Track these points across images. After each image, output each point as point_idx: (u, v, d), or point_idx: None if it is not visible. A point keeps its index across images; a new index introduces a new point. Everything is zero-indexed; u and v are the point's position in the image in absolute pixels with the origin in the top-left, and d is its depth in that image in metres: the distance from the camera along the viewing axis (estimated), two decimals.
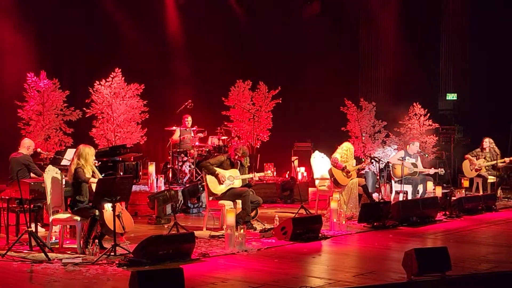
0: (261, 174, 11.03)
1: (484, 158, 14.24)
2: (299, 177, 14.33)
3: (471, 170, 14.33)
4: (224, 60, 17.86)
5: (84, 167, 8.48)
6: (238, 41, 18.63)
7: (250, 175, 10.61)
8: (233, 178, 10.11)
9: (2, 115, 14.03)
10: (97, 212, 8.18)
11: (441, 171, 13.29)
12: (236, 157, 10.25)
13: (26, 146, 10.27)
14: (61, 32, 15.38)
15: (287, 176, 14.60)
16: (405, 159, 12.84)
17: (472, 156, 14.36)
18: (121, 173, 11.13)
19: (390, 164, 13.23)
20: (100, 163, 9.40)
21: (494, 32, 18.23)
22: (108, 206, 8.10)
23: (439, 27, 19.02)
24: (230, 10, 18.53)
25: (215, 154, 13.03)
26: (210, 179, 10.06)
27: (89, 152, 8.60)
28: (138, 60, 16.39)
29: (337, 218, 10.07)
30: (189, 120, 13.91)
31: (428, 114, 16.32)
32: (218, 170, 10.07)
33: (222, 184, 10.03)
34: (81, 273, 7.13)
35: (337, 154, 11.68)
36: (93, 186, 8.33)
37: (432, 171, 13.12)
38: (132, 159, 12.10)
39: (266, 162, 15.30)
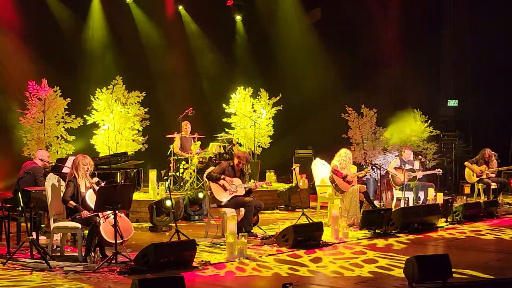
0: (261, 182, 11.00)
1: (487, 165, 14.22)
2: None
3: (473, 175, 14.32)
4: (225, 67, 17.88)
5: (76, 179, 8.42)
6: (239, 48, 18.66)
7: (253, 185, 10.54)
8: (236, 187, 10.10)
9: (3, 123, 14.03)
10: (97, 219, 8.18)
11: (438, 171, 13.40)
12: (240, 164, 10.22)
13: (39, 157, 10.17)
14: (63, 40, 15.40)
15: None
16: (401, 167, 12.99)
17: (472, 163, 14.35)
18: (123, 181, 11.12)
19: (389, 174, 13.33)
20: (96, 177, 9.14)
21: (495, 38, 18.23)
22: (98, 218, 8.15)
23: (440, 34, 19.03)
24: (231, 18, 18.56)
25: (217, 161, 13.01)
26: (215, 187, 10.03)
27: (81, 161, 8.52)
28: (139, 67, 16.41)
29: (338, 225, 10.08)
30: (188, 126, 13.89)
31: (429, 121, 16.32)
32: (224, 176, 10.05)
33: (227, 190, 10.00)
34: (82, 281, 7.13)
35: (335, 162, 11.69)
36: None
37: (430, 172, 13.30)
38: (133, 167, 12.08)
39: (267, 169, 15.30)
